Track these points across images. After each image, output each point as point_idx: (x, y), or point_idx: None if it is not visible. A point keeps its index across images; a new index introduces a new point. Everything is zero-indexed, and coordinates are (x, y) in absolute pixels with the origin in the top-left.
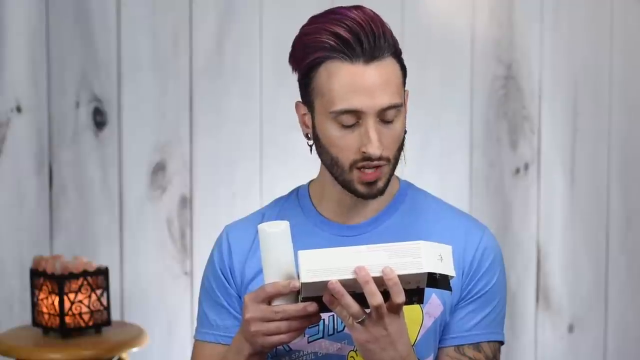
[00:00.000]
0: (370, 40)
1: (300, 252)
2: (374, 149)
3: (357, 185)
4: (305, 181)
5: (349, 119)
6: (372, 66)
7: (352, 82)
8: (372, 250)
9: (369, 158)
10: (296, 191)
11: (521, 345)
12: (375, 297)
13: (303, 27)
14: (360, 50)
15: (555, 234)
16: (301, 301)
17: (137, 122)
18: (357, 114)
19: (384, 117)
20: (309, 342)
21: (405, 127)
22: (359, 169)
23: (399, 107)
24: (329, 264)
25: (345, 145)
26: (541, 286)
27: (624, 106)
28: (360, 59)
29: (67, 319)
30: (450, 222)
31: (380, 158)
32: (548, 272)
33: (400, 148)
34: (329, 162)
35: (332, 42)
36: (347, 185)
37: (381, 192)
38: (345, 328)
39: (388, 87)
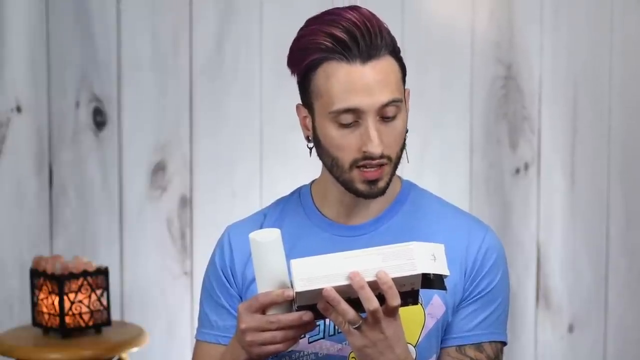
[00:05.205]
0: (366, 39)
1: (293, 261)
2: (375, 148)
3: (357, 185)
4: (305, 181)
5: (348, 118)
6: (369, 65)
7: (350, 81)
8: (364, 254)
9: (370, 157)
10: (298, 191)
11: (521, 345)
12: (371, 302)
13: (300, 29)
14: (357, 50)
15: (555, 234)
16: (296, 310)
17: (137, 122)
18: (357, 113)
19: (384, 114)
20: (309, 343)
21: (406, 125)
22: (359, 168)
23: (399, 102)
24: (322, 271)
25: (346, 144)
26: (541, 286)
27: (624, 106)
28: (357, 59)
29: (67, 319)
30: (453, 222)
31: (381, 156)
32: (548, 272)
33: (402, 147)
34: (330, 164)
35: (328, 43)
36: (347, 185)
37: (382, 191)
38: None
39: (387, 83)
